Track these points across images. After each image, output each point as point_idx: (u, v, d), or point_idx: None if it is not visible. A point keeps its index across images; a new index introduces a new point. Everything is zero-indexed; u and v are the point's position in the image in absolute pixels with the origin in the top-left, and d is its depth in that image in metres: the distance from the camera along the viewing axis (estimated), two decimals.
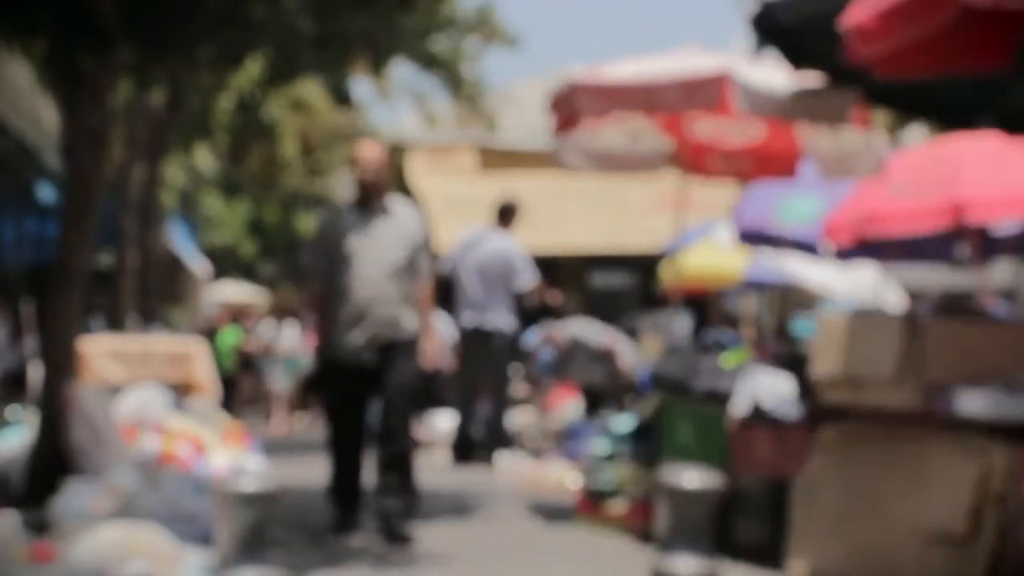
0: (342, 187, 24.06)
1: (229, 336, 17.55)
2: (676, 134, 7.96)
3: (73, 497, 5.60)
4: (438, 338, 6.94)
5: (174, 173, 19.70)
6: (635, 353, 11.28)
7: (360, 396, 6.59)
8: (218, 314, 18.97)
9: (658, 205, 16.43)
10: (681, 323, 9.89)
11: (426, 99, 19.03)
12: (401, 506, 6.44)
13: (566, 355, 11.27)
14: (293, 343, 17.50)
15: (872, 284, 11.72)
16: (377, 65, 13.01)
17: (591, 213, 19.16)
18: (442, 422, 10.74)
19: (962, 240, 9.13)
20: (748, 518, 6.36)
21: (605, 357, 11.01)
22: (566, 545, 6.67)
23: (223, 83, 14.03)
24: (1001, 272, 11.35)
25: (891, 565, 5.20)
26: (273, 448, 10.09)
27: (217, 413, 8.67)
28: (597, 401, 10.91)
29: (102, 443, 6.23)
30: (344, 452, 6.60)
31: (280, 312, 20.62)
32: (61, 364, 6.34)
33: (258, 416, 16.69)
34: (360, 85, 22.48)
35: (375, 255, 6.49)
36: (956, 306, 7.06)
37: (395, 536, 6.34)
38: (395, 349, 6.45)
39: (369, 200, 6.60)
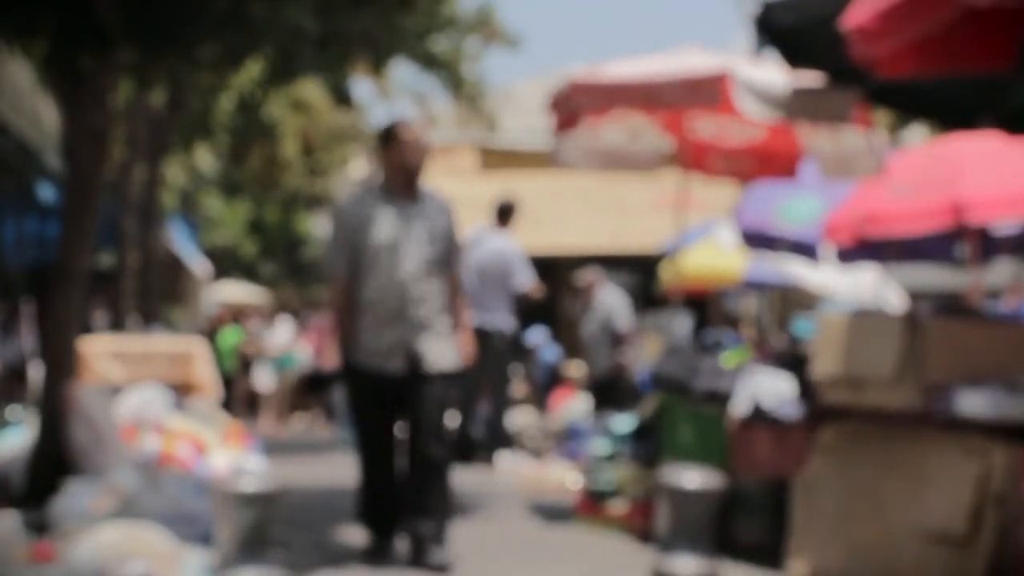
0: (345, 184, 24.05)
1: (230, 336, 17.56)
2: (676, 133, 7.96)
3: (73, 497, 5.60)
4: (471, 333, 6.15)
5: (174, 173, 19.71)
6: (640, 352, 11.31)
7: (389, 407, 5.82)
8: (219, 314, 18.99)
9: (658, 205, 16.43)
10: (681, 323, 9.91)
11: (426, 99, 19.03)
12: (435, 529, 5.74)
13: (589, 315, 11.27)
14: (285, 341, 17.37)
15: (872, 285, 11.73)
16: (377, 65, 12.99)
17: (591, 213, 19.17)
18: None
19: (962, 240, 9.14)
20: (748, 518, 6.36)
21: (618, 341, 11.01)
22: (566, 545, 6.67)
23: (223, 83, 14.03)
24: (1001, 272, 11.35)
25: (891, 565, 5.20)
26: (273, 448, 10.09)
27: (217, 413, 8.67)
28: (601, 392, 10.92)
29: (102, 443, 6.23)
30: (375, 469, 5.86)
31: (273, 310, 20.56)
32: (61, 364, 6.34)
33: (252, 416, 16.65)
34: (360, 85, 22.51)
35: (409, 249, 5.76)
36: (956, 306, 7.06)
37: (429, 564, 5.67)
38: (426, 359, 5.78)
39: (405, 188, 5.87)
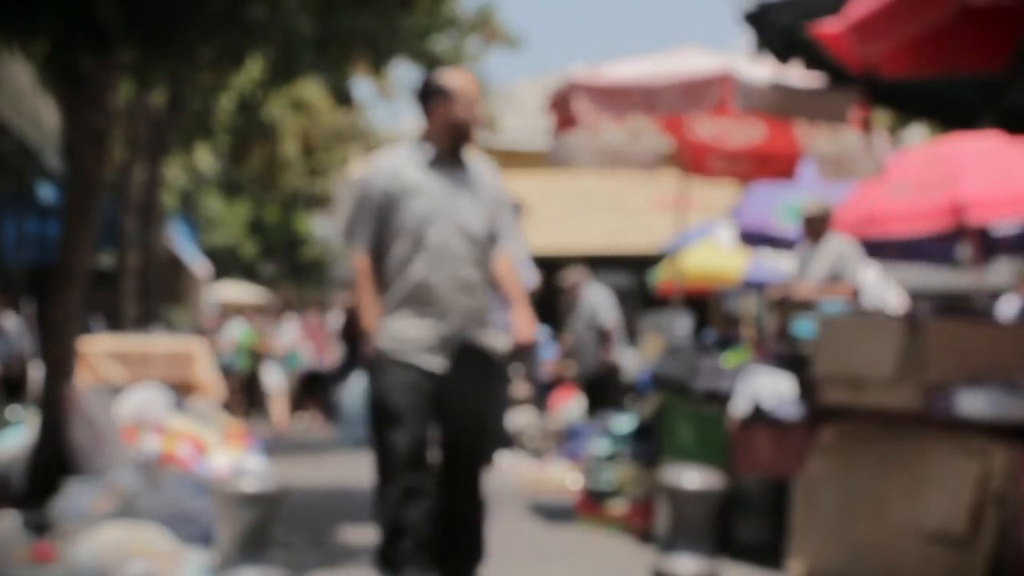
0: (345, 184, 24.05)
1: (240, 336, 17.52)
2: (676, 134, 7.97)
3: (74, 497, 5.61)
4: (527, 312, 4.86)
5: (175, 173, 19.72)
6: (626, 351, 11.29)
7: (427, 415, 4.67)
8: (219, 313, 18.97)
9: (658, 205, 16.45)
10: (681, 323, 9.90)
11: None
12: (471, 566, 4.75)
13: (575, 314, 11.25)
14: (291, 340, 17.33)
15: (872, 285, 11.72)
16: (378, 65, 13.01)
17: (592, 213, 19.20)
18: None
19: (962, 240, 9.15)
20: (748, 518, 6.36)
21: (605, 339, 10.99)
22: (566, 545, 6.67)
23: (224, 83, 14.05)
24: (1001, 272, 11.35)
25: (891, 565, 5.21)
26: (273, 448, 10.10)
27: (218, 413, 8.68)
28: (592, 391, 10.91)
29: (102, 443, 6.24)
30: (406, 504, 4.57)
31: (278, 309, 20.52)
32: (62, 364, 6.34)
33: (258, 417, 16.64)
34: (361, 85, 22.51)
35: (455, 224, 4.73)
36: (956, 306, 7.08)
37: None
38: (475, 357, 4.74)
39: (453, 150, 4.80)
